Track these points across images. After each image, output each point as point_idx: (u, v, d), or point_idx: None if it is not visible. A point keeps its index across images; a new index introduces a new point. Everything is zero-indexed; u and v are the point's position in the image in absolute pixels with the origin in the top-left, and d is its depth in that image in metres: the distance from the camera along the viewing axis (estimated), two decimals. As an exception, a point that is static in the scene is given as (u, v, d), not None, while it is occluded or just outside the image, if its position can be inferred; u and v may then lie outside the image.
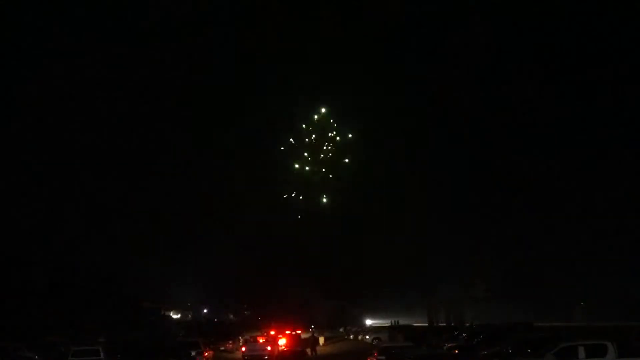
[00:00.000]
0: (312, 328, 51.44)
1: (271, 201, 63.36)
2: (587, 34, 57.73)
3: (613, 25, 56.32)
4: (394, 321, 61.89)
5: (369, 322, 71.49)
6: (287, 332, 49.87)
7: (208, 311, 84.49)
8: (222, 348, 48.35)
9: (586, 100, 58.64)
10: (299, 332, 50.81)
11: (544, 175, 59.52)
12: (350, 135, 54.75)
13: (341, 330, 61.24)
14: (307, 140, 56.14)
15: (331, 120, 58.03)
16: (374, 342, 45.40)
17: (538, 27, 59.74)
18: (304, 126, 54.63)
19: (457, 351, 31.35)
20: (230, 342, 51.52)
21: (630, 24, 54.90)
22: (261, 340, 44.30)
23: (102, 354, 30.16)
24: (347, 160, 52.49)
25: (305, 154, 54.06)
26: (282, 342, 46.66)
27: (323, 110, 57.08)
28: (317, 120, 56.63)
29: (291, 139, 56.83)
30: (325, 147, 55.13)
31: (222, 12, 66.92)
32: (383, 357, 29.19)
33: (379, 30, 62.69)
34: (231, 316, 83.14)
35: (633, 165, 52.45)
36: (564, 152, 58.77)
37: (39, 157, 58.63)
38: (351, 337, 57.08)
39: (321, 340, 49.85)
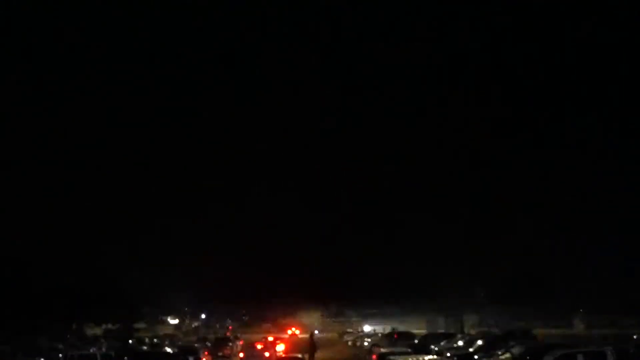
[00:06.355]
0: (315, 332, 51.18)
1: (270, 204, 63.25)
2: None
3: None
4: (394, 328, 61.77)
5: (367, 327, 71.32)
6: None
7: (206, 316, 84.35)
8: (220, 354, 48.21)
9: (588, 101, 58.68)
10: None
11: (545, 178, 59.57)
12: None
13: (346, 337, 60.97)
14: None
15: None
16: (373, 348, 45.24)
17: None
18: None
19: (455, 358, 31.29)
20: (228, 347, 51.39)
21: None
22: (259, 346, 44.20)
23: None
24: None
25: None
26: (280, 347, 46.52)
27: None
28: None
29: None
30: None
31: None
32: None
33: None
34: (229, 321, 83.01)
35: (634, 168, 52.42)
36: (564, 155, 58.79)
37: (38, 159, 58.60)
38: (349, 342, 56.93)
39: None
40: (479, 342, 34.79)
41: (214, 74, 68.74)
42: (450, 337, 42.78)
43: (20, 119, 58.57)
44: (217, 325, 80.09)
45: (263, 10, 61.21)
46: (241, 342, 51.23)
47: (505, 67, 61.60)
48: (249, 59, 66.95)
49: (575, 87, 59.00)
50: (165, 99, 67.90)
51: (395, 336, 52.80)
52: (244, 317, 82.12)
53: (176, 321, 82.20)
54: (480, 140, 62.73)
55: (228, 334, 65.98)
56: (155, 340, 54.16)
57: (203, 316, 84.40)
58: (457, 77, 62.62)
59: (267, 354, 41.87)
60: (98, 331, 59.60)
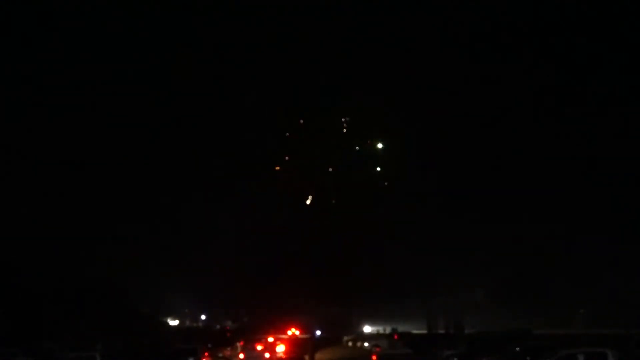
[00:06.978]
0: (316, 332, 51.11)
1: (269, 206, 63.12)
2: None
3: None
4: (394, 329, 61.80)
5: (367, 328, 71.26)
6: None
7: (206, 318, 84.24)
8: (220, 355, 48.26)
9: (589, 101, 58.65)
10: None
11: (545, 179, 59.48)
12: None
13: (345, 338, 61.00)
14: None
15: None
16: (373, 349, 45.31)
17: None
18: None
19: (456, 359, 31.30)
20: (228, 348, 51.42)
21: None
22: (259, 347, 44.23)
23: (98, 360, 30.10)
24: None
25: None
26: (280, 348, 46.52)
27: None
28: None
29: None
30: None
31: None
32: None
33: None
34: (229, 322, 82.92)
35: (635, 168, 52.40)
36: (565, 154, 58.75)
37: (35, 163, 58.45)
38: (349, 343, 56.97)
39: None
40: (479, 343, 34.76)
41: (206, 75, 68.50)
42: (451, 337, 42.79)
43: (12, 121, 58.37)
44: (218, 326, 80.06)
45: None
46: (241, 343, 51.21)
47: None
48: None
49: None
50: (167, 101, 67.78)
51: (395, 337, 52.90)
52: (244, 319, 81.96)
53: (176, 322, 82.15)
54: (479, 138, 62.64)
55: (228, 334, 66.03)
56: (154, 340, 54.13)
57: (203, 317, 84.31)
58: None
59: (267, 355, 41.90)
60: (97, 332, 59.52)
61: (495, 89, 62.02)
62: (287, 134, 50.48)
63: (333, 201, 50.64)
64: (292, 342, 50.04)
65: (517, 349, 28.46)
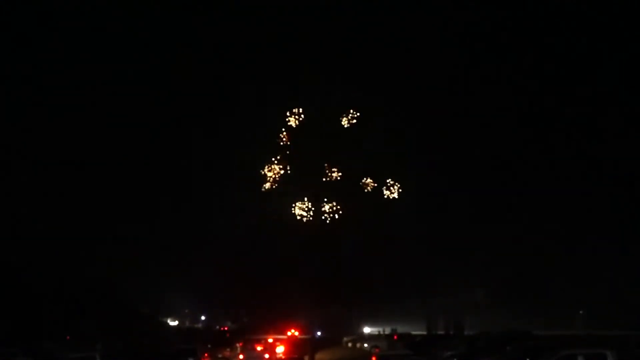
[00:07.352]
0: (317, 333, 51.07)
1: (268, 206, 63.11)
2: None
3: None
4: (394, 329, 61.73)
5: (367, 329, 71.20)
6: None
7: (206, 318, 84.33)
8: (220, 355, 48.27)
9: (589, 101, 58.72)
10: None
11: (545, 179, 59.53)
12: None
13: (345, 339, 60.95)
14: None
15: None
16: (373, 350, 45.32)
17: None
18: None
19: (456, 359, 31.29)
20: (227, 349, 51.41)
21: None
22: (259, 348, 44.25)
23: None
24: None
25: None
26: (280, 349, 46.53)
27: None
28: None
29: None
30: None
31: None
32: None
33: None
34: (229, 323, 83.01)
35: (635, 168, 52.42)
36: (565, 154, 58.75)
37: (35, 163, 58.46)
38: (349, 344, 56.93)
39: None
40: (479, 344, 34.72)
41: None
42: (451, 338, 42.69)
43: (12, 121, 58.39)
44: (217, 327, 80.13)
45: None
46: (240, 344, 51.24)
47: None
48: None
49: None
50: (167, 101, 67.78)
51: (395, 337, 52.87)
52: (244, 319, 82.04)
53: (176, 322, 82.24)
54: (479, 138, 62.63)
55: (228, 335, 66.08)
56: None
57: (203, 318, 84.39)
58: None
59: (266, 356, 41.91)
60: (97, 332, 59.55)
61: (495, 89, 62.15)
62: (287, 134, 50.34)
63: (332, 202, 50.46)
64: (292, 342, 50.07)
65: (517, 350, 28.49)
